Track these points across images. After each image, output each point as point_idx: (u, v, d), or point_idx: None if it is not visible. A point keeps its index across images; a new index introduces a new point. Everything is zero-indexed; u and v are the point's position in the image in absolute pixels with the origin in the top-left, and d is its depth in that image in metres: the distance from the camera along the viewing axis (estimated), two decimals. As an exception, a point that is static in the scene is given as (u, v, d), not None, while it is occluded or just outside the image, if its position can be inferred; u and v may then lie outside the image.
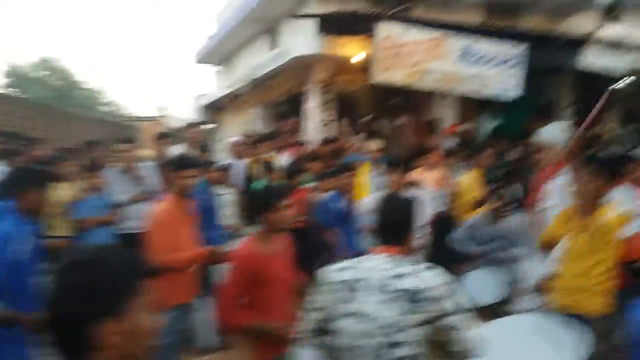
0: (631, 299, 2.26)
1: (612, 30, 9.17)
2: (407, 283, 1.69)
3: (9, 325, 2.57)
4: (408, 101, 8.63)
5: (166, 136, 6.03)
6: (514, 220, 4.25)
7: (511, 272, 4.10)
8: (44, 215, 4.23)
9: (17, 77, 29.41)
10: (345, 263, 1.87)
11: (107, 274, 1.02)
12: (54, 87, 29.94)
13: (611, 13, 9.69)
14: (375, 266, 1.78)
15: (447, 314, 1.67)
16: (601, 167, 2.69)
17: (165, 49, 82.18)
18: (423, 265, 1.75)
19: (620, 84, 9.44)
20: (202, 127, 14.51)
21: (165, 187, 5.13)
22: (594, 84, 8.84)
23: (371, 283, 1.74)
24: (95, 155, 5.54)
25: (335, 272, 1.86)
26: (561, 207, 3.33)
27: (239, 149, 6.29)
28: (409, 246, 1.89)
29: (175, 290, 3.10)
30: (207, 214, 4.66)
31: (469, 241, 4.33)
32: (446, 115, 8.36)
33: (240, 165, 6.02)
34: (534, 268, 3.61)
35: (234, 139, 6.67)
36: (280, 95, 8.00)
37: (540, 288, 3.37)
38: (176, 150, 6.17)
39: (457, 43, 6.31)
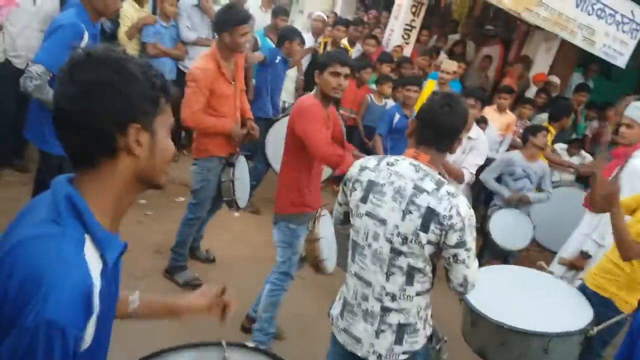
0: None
1: None
2: (425, 200, 1.65)
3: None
4: (505, 32, 7.91)
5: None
6: (542, 166, 4.32)
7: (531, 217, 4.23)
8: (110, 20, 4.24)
9: None
10: (369, 162, 1.83)
11: (138, 76, 0.94)
12: None
13: None
14: (399, 172, 1.72)
15: (455, 245, 1.65)
16: None
17: None
18: (446, 189, 1.66)
19: None
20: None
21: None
22: None
23: (390, 189, 1.71)
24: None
25: (359, 170, 1.83)
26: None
27: (318, 26, 5.98)
28: (443, 156, 1.81)
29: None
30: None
31: (506, 177, 4.35)
32: (540, 59, 7.60)
33: (311, 42, 5.76)
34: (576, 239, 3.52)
35: (316, 13, 6.30)
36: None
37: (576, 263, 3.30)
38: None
39: (581, -16, 5.62)
